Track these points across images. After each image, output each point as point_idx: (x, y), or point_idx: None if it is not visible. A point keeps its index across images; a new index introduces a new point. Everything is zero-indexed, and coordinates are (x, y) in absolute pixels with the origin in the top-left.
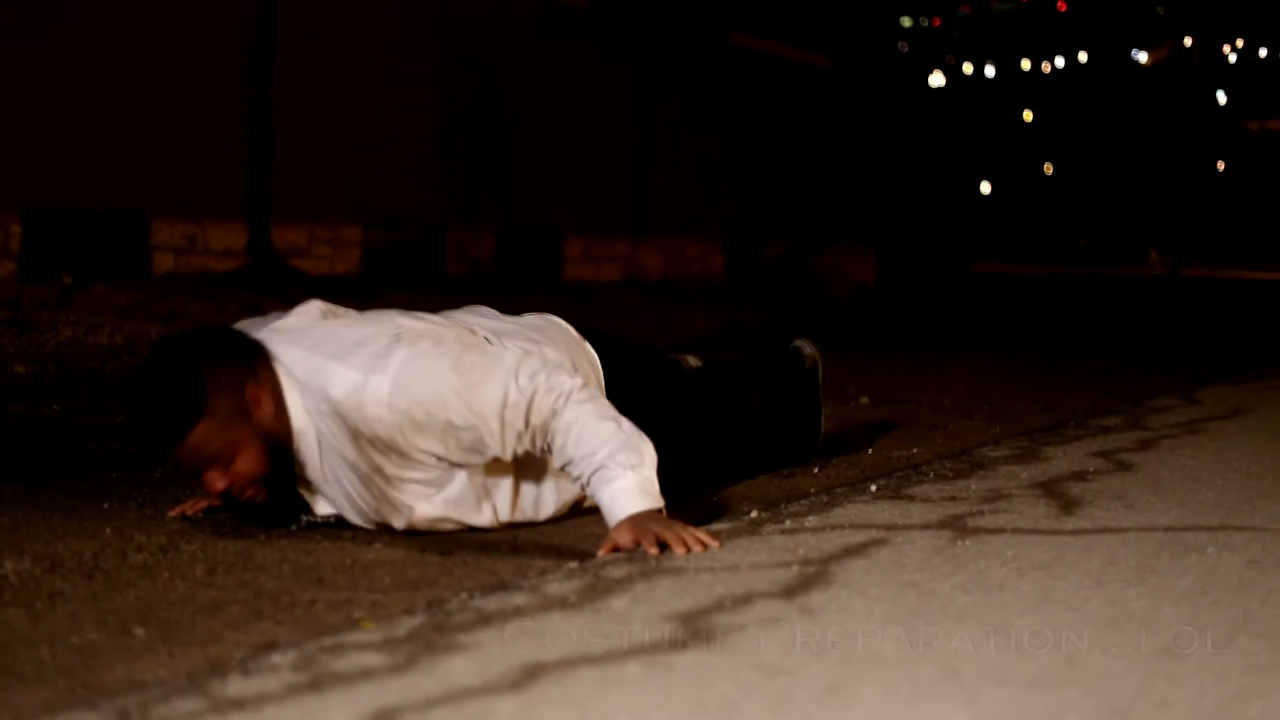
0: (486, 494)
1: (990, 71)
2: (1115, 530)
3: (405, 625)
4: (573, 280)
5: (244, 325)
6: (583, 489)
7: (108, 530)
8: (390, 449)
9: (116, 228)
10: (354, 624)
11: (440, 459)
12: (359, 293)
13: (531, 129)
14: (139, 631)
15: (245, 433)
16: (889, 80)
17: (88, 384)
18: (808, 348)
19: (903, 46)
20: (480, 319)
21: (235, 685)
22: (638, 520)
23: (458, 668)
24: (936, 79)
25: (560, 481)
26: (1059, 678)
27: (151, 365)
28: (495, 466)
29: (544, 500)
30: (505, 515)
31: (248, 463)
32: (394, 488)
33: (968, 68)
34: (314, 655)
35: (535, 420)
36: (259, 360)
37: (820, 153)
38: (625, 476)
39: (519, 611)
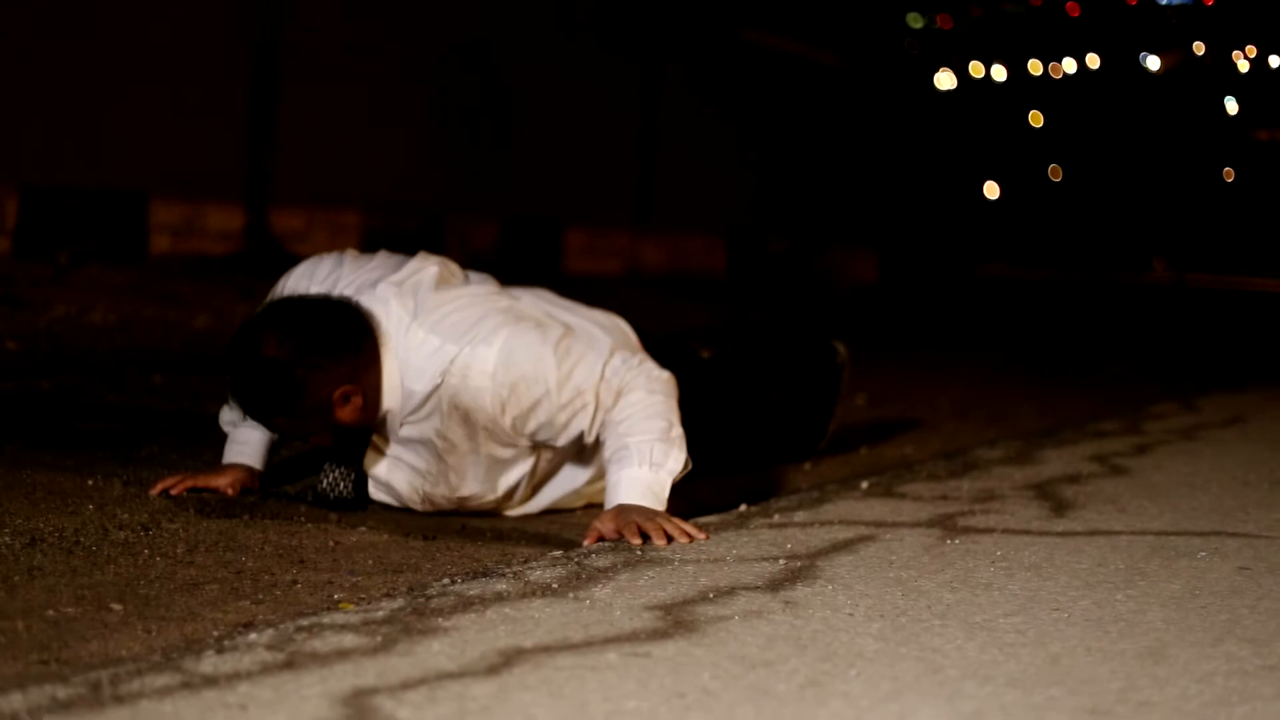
0: (537, 485)
1: (1000, 74)
2: (1106, 533)
3: (384, 607)
4: (573, 272)
5: (343, 276)
6: (605, 458)
7: (90, 507)
8: (483, 423)
9: (114, 207)
10: (333, 605)
11: (529, 435)
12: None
13: (535, 119)
14: (116, 607)
15: (322, 422)
16: (896, 79)
17: (79, 362)
18: (843, 349)
19: (913, 47)
20: (552, 307)
21: (209, 662)
22: (625, 511)
23: (435, 651)
24: (946, 80)
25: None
26: (1041, 677)
27: (252, 352)
28: (569, 456)
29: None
30: (541, 504)
31: (315, 439)
32: (464, 461)
33: (977, 69)
34: (290, 634)
35: (616, 395)
36: (365, 352)
37: (826, 150)
38: (642, 468)
39: (500, 597)
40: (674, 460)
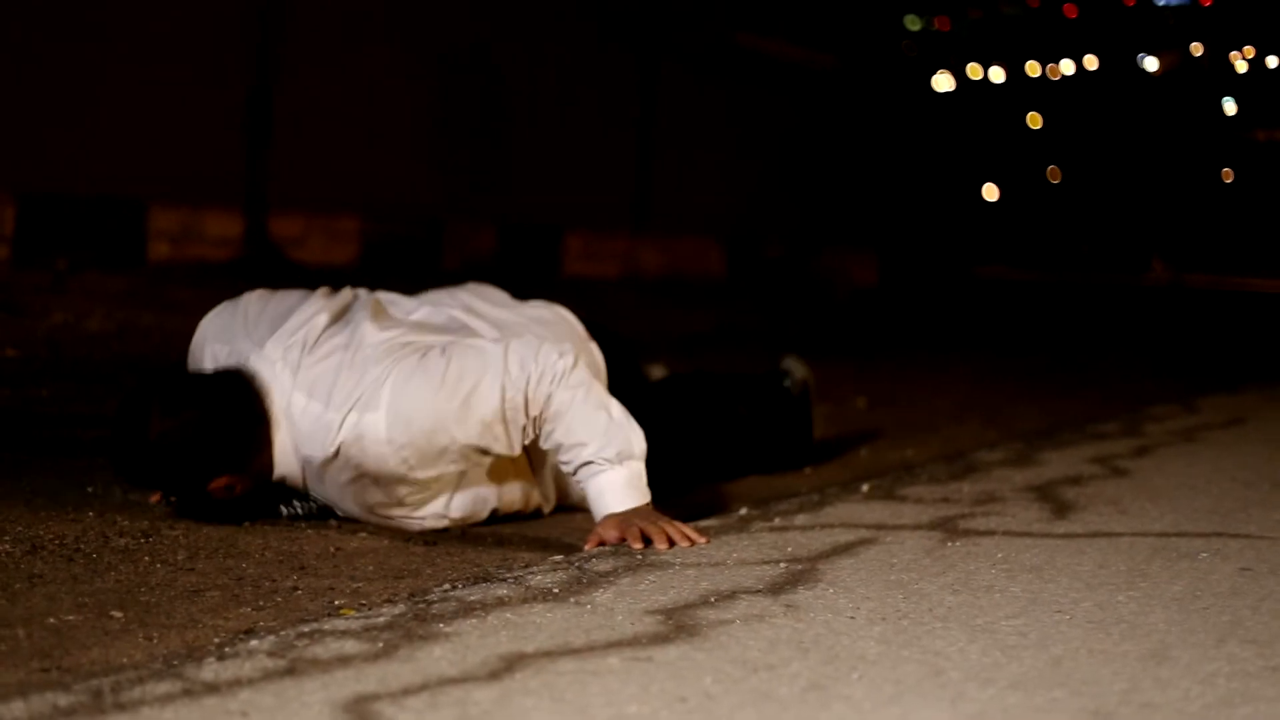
0: (486, 498)
1: (998, 75)
2: (1108, 535)
3: (386, 613)
4: (571, 276)
5: (261, 323)
6: (569, 476)
7: (90, 514)
8: (397, 481)
9: (113, 214)
10: (334, 611)
11: (443, 476)
12: (355, 285)
13: (533, 124)
14: (117, 614)
15: (209, 495)
16: (894, 81)
17: (78, 370)
18: (798, 370)
19: (910, 49)
20: (487, 305)
21: (210, 669)
22: (624, 516)
23: (436, 656)
24: (944, 82)
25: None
26: (1044, 679)
27: (132, 432)
28: (499, 469)
29: (549, 495)
30: (507, 509)
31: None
32: (395, 510)
33: (975, 71)
34: (292, 641)
35: (534, 411)
36: (250, 444)
37: (823, 153)
38: (613, 470)
39: (501, 602)
40: (636, 444)
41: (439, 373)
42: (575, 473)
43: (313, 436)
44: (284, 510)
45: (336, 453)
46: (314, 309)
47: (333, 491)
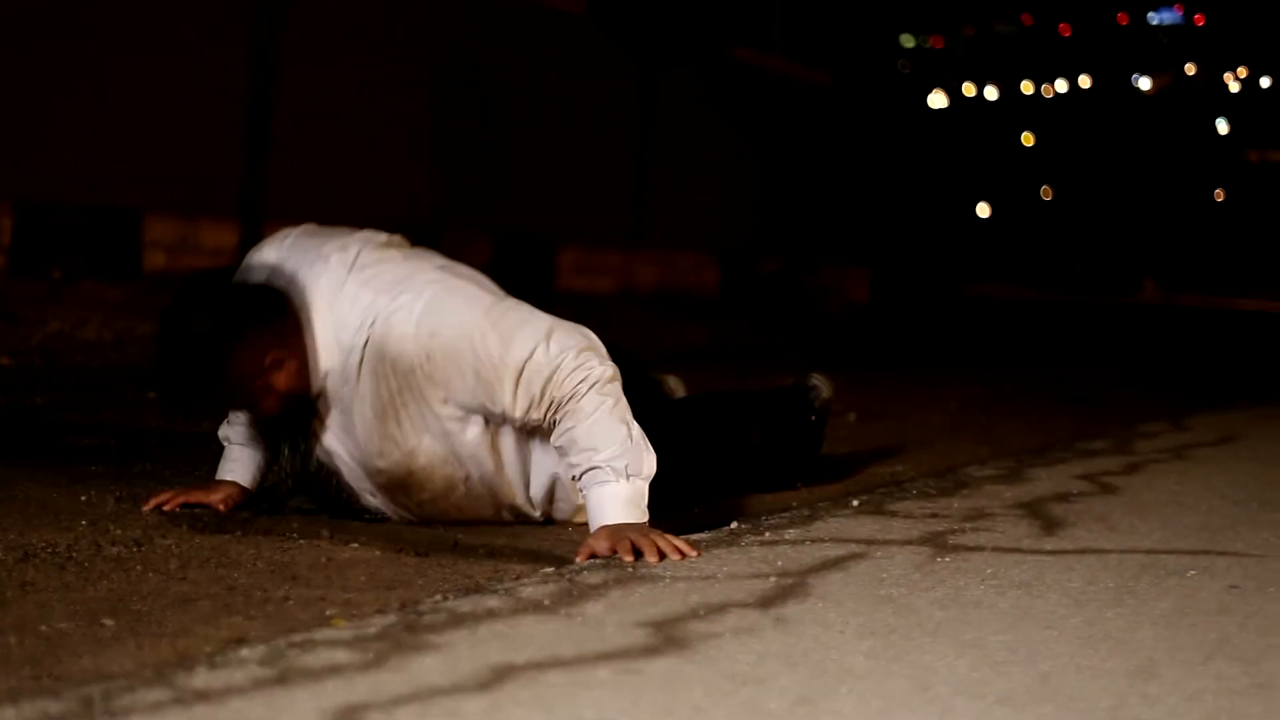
0: (502, 465)
1: (992, 93)
2: (1097, 551)
3: (376, 624)
4: (566, 290)
5: (289, 246)
6: (573, 478)
7: (83, 522)
8: (406, 374)
9: (109, 224)
10: (326, 621)
11: (447, 402)
12: None
13: (529, 137)
14: (108, 623)
15: (263, 389)
16: (888, 98)
17: (73, 379)
18: (824, 389)
19: (905, 66)
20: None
21: (201, 678)
22: (617, 529)
23: (427, 667)
24: (938, 99)
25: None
26: (1031, 695)
27: (174, 333)
28: (518, 443)
29: (561, 498)
30: (519, 497)
31: (261, 409)
32: (406, 417)
33: (969, 89)
34: (283, 650)
35: (554, 393)
36: (291, 316)
37: (818, 169)
38: (619, 483)
39: (491, 614)
40: (647, 465)
41: (487, 302)
42: (581, 477)
43: (350, 324)
44: (281, 466)
45: (367, 341)
46: (374, 233)
47: (355, 412)
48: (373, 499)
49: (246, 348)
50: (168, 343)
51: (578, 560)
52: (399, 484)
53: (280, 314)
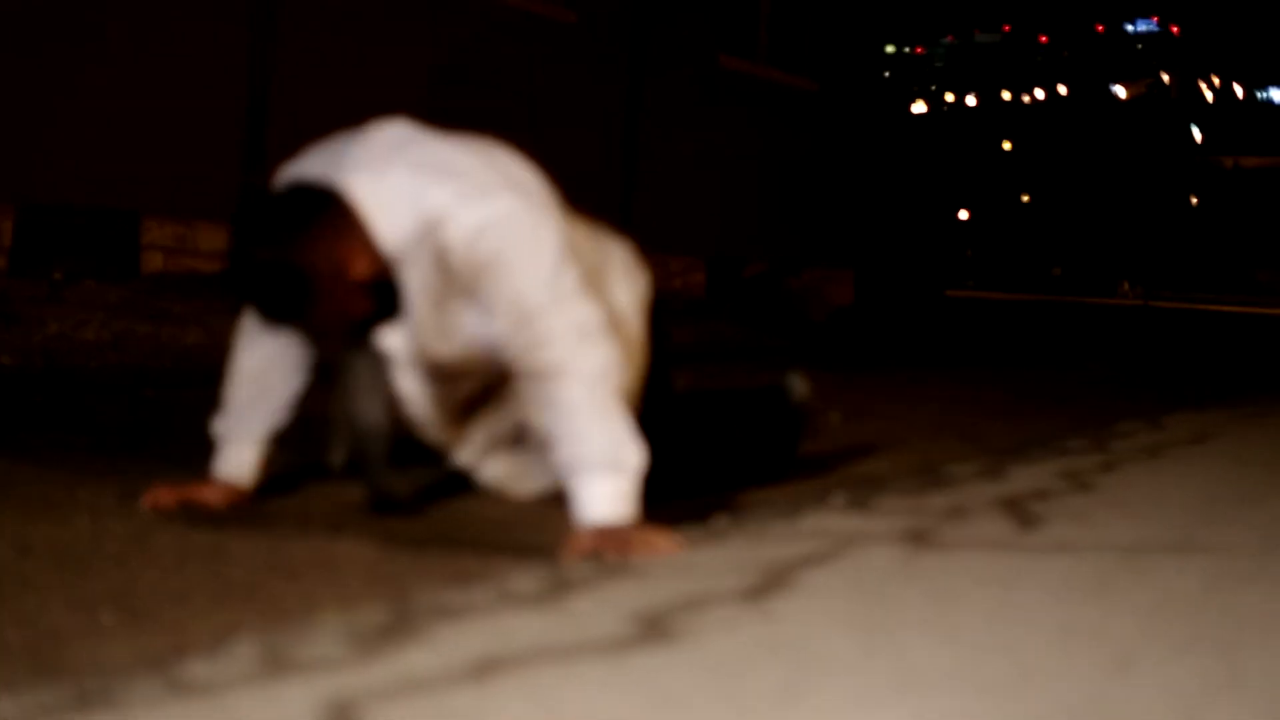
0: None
1: (972, 100)
2: (1074, 548)
3: (368, 616)
4: None
5: (320, 155)
6: (558, 468)
7: (83, 518)
8: (459, 276)
9: (108, 226)
10: (319, 614)
11: (480, 271)
12: None
13: (521, 143)
14: (106, 617)
15: (349, 289)
16: (872, 105)
17: (73, 378)
18: (801, 388)
19: (889, 73)
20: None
21: (196, 669)
22: (603, 531)
23: (417, 659)
24: (919, 106)
25: None
26: (1010, 686)
27: (246, 265)
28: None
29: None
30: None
31: (354, 312)
32: (456, 306)
33: (950, 96)
34: (276, 643)
35: (552, 358)
36: (338, 206)
37: (803, 175)
38: (606, 481)
39: (481, 607)
40: (630, 458)
41: (557, 250)
42: (563, 468)
43: (396, 207)
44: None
45: (425, 226)
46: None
47: (412, 293)
48: (418, 406)
49: (315, 250)
50: (250, 287)
51: (564, 561)
52: (446, 375)
53: (327, 207)
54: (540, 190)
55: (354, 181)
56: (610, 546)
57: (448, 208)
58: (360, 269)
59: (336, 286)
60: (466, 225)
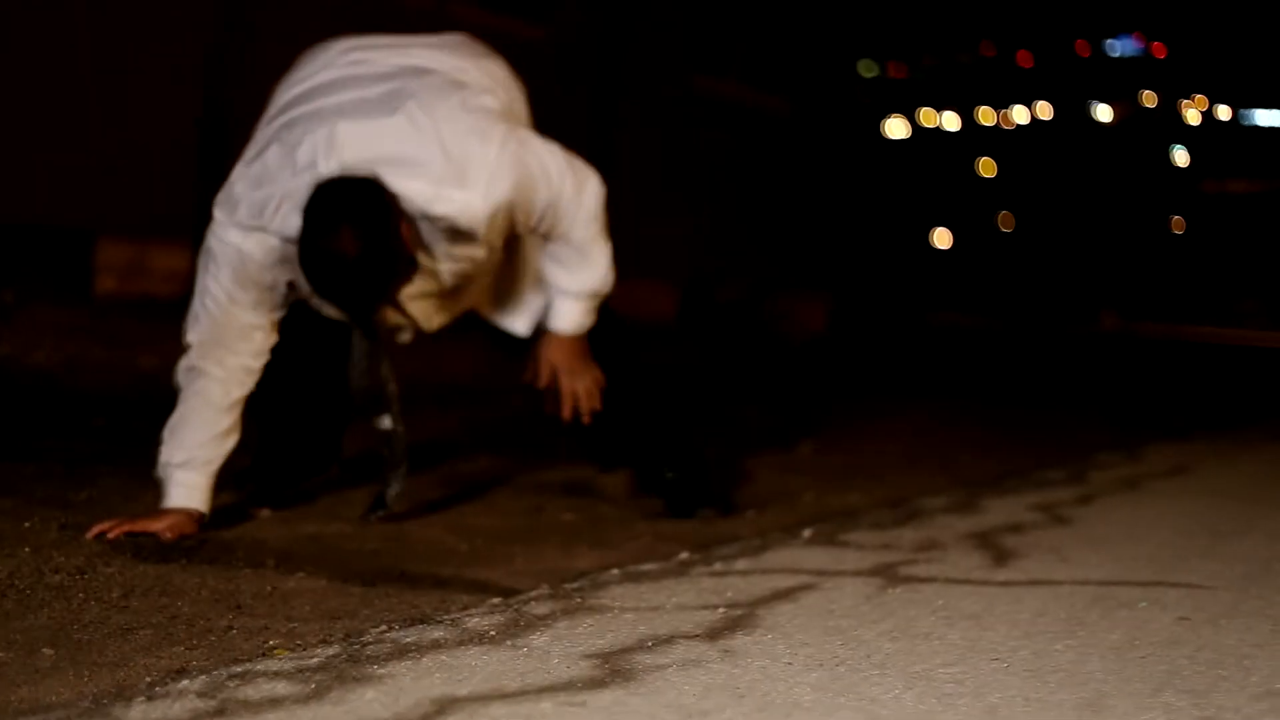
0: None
1: (952, 123)
2: (1047, 583)
3: (319, 654)
4: None
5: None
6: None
7: (25, 549)
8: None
9: (61, 246)
10: (268, 652)
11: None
12: None
13: None
14: (47, 652)
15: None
16: (847, 127)
17: (21, 403)
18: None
19: (865, 95)
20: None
21: (139, 710)
22: (566, 355)
23: (368, 699)
24: (898, 128)
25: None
26: None
27: (339, 260)
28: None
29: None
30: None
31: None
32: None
33: (929, 118)
34: (223, 682)
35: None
36: (392, 197)
37: (777, 198)
38: (577, 301)
39: (436, 645)
40: (604, 283)
41: (555, 153)
42: (557, 279)
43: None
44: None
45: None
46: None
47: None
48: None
49: (390, 229)
50: (333, 275)
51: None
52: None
53: (384, 194)
54: (511, 84)
55: (386, 175)
56: (564, 383)
57: (468, 203)
58: (412, 241)
59: (410, 253)
60: (480, 210)
